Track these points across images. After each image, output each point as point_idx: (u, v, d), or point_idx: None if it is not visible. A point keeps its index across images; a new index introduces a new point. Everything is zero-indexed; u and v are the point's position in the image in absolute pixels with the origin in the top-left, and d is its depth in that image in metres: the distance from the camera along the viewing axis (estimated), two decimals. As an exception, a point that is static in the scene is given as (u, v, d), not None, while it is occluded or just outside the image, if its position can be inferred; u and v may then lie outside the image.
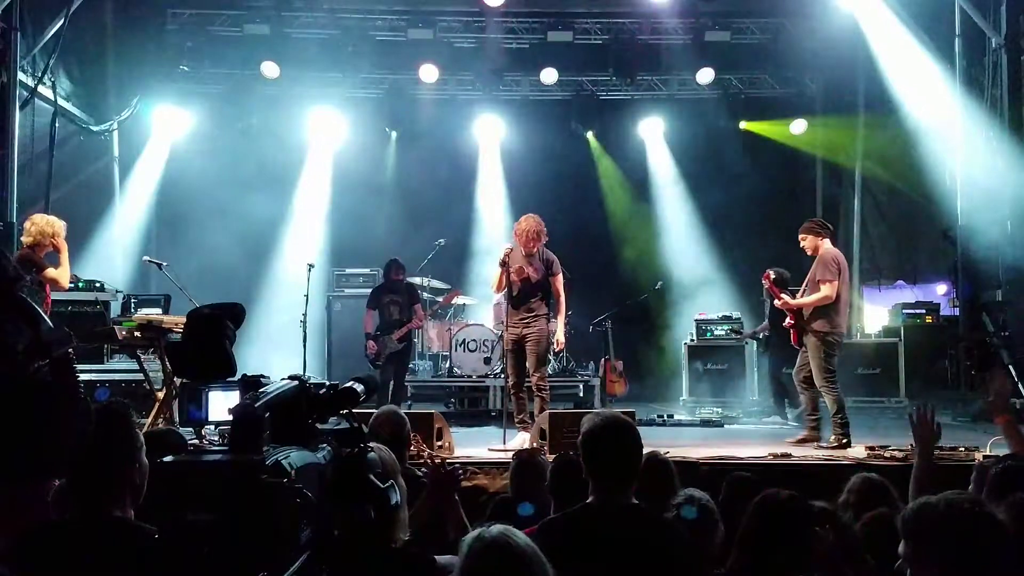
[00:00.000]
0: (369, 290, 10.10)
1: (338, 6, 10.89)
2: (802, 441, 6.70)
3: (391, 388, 8.45)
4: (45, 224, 6.31)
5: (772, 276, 7.25)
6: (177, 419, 6.53)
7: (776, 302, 6.93)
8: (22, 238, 6.45)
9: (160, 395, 6.74)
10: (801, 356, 6.89)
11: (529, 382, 6.87)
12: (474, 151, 12.00)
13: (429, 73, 11.26)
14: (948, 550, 2.02)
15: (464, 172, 11.85)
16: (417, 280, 9.85)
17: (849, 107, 11.77)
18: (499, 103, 11.93)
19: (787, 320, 6.88)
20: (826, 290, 6.54)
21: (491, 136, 11.94)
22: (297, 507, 1.59)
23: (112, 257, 10.10)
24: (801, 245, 6.92)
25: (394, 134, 11.80)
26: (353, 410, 2.01)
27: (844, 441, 6.42)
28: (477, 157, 12.02)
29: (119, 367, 8.15)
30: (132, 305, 8.82)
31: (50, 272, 6.24)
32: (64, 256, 6.32)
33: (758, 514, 2.70)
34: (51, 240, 6.33)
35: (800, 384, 6.94)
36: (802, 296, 6.78)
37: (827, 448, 6.39)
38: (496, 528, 1.84)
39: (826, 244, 6.79)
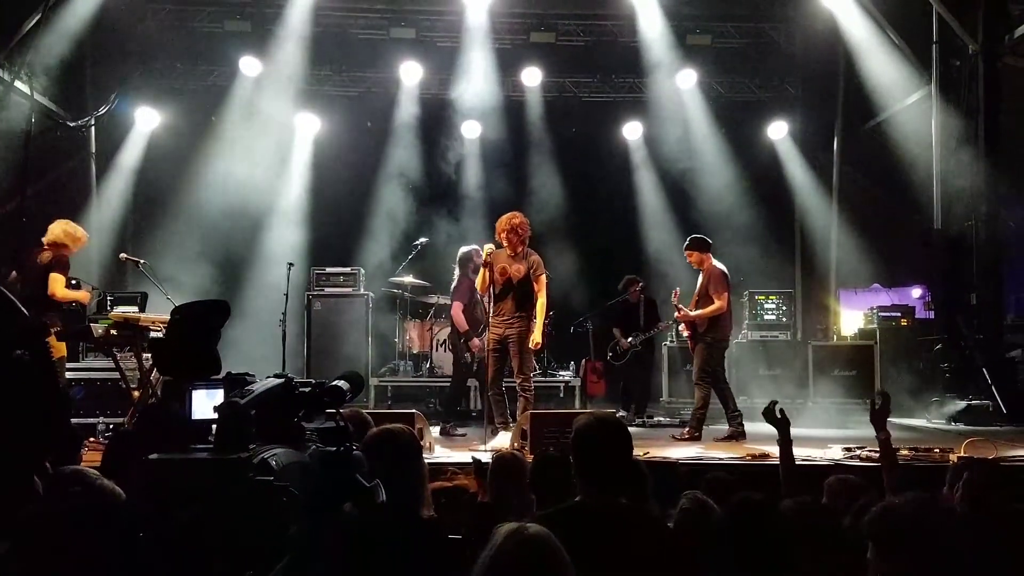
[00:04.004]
0: (349, 289, 10.05)
1: (321, 3, 10.81)
2: (728, 438, 7.19)
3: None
4: (76, 232, 6.66)
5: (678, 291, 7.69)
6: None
7: (676, 314, 7.59)
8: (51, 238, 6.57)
9: (136, 394, 6.68)
10: None
11: (512, 382, 6.87)
12: (457, 150, 11.93)
13: (411, 72, 11.25)
14: (911, 549, 2.06)
15: (446, 171, 11.80)
16: (399, 280, 9.82)
17: (828, 111, 11.89)
18: (479, 102, 11.87)
19: (682, 327, 7.73)
20: (719, 302, 7.23)
21: (472, 135, 11.88)
22: (284, 505, 1.58)
23: (88, 254, 9.96)
24: (688, 260, 7.59)
25: (374, 133, 11.72)
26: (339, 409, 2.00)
27: (694, 433, 7.12)
28: (460, 156, 11.95)
29: (95, 366, 8.07)
30: (108, 303, 8.72)
31: (57, 277, 6.44)
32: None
33: (732, 517, 2.72)
34: (69, 249, 6.59)
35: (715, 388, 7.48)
36: (695, 308, 7.39)
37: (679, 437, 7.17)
38: (534, 525, 1.83)
39: (712, 259, 7.46)
